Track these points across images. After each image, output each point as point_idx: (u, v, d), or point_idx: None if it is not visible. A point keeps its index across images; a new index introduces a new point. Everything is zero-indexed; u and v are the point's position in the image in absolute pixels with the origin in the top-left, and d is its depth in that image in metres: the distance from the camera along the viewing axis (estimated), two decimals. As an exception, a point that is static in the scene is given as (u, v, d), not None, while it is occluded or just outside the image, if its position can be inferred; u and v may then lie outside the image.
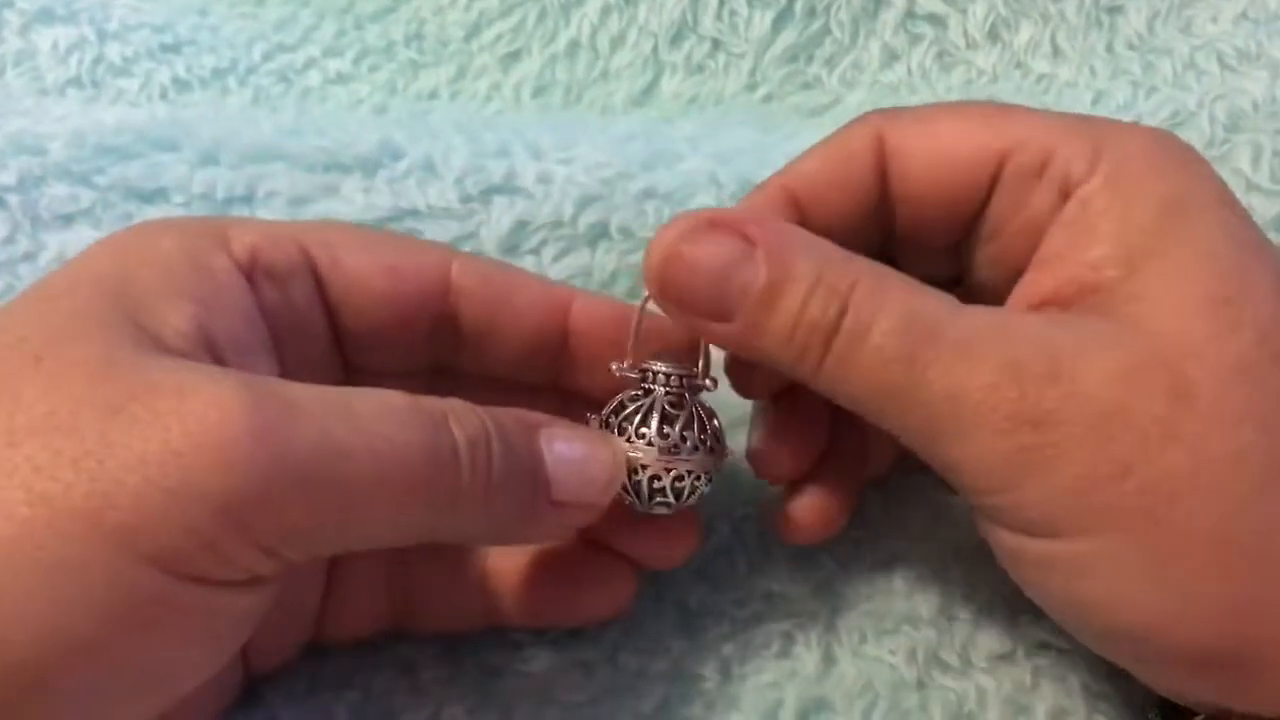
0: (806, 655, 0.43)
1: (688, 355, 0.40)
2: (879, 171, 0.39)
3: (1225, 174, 0.45)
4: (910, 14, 0.56)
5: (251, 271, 0.35)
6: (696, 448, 0.38)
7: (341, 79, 0.60)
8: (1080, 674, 0.42)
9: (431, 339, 0.40)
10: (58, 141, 0.46)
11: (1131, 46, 0.53)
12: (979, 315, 0.35)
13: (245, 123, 0.51)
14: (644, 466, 0.38)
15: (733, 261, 0.35)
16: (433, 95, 0.60)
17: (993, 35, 0.55)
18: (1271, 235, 0.46)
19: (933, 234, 0.40)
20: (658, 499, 0.39)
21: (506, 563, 0.42)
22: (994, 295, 0.40)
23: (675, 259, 0.36)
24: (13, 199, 0.44)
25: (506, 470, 0.34)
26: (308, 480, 0.30)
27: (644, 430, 0.38)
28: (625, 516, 0.40)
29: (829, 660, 0.43)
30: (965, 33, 0.55)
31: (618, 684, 0.43)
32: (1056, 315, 0.35)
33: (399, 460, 0.31)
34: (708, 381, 0.40)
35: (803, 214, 0.39)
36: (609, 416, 0.39)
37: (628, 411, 0.39)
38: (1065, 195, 0.36)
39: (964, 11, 0.55)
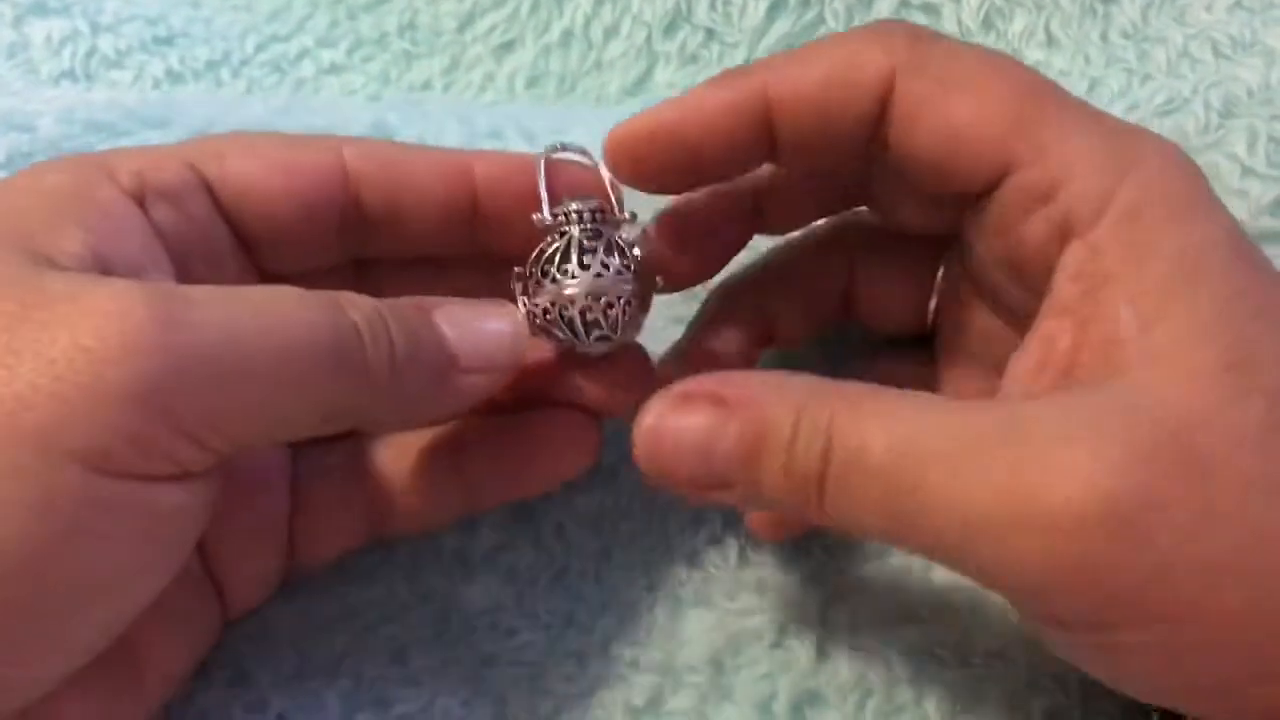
0: (800, 648, 0.43)
1: (602, 196, 0.40)
2: (875, 119, 0.37)
3: (1220, 159, 0.46)
4: (904, 2, 0.56)
5: (142, 196, 0.35)
6: (620, 272, 0.38)
7: (335, 69, 0.59)
8: (1077, 674, 0.42)
9: (340, 232, 0.39)
10: (47, 118, 0.46)
11: (1126, 35, 0.53)
12: (971, 416, 0.33)
13: (237, 103, 0.51)
14: (572, 301, 0.38)
15: (711, 432, 0.35)
16: (426, 86, 0.60)
17: (987, 24, 0.55)
18: (1268, 219, 0.45)
19: (920, 196, 0.39)
20: (595, 333, 0.39)
21: (469, 446, 0.42)
22: (978, 276, 0.40)
23: (657, 445, 0.36)
24: (1, 175, 0.44)
25: (409, 346, 0.35)
26: (217, 361, 0.30)
27: (565, 266, 0.38)
28: (573, 369, 0.40)
29: (822, 653, 0.43)
30: (959, 21, 0.55)
31: (611, 674, 0.43)
32: (1061, 399, 0.34)
33: (301, 337, 0.32)
34: (626, 214, 0.40)
35: (771, 130, 0.37)
36: (531, 267, 0.39)
37: (548, 254, 0.39)
38: (1064, 236, 0.35)
39: (958, 1, 0.55)
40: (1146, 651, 0.32)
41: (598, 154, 0.40)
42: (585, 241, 0.38)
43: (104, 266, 0.33)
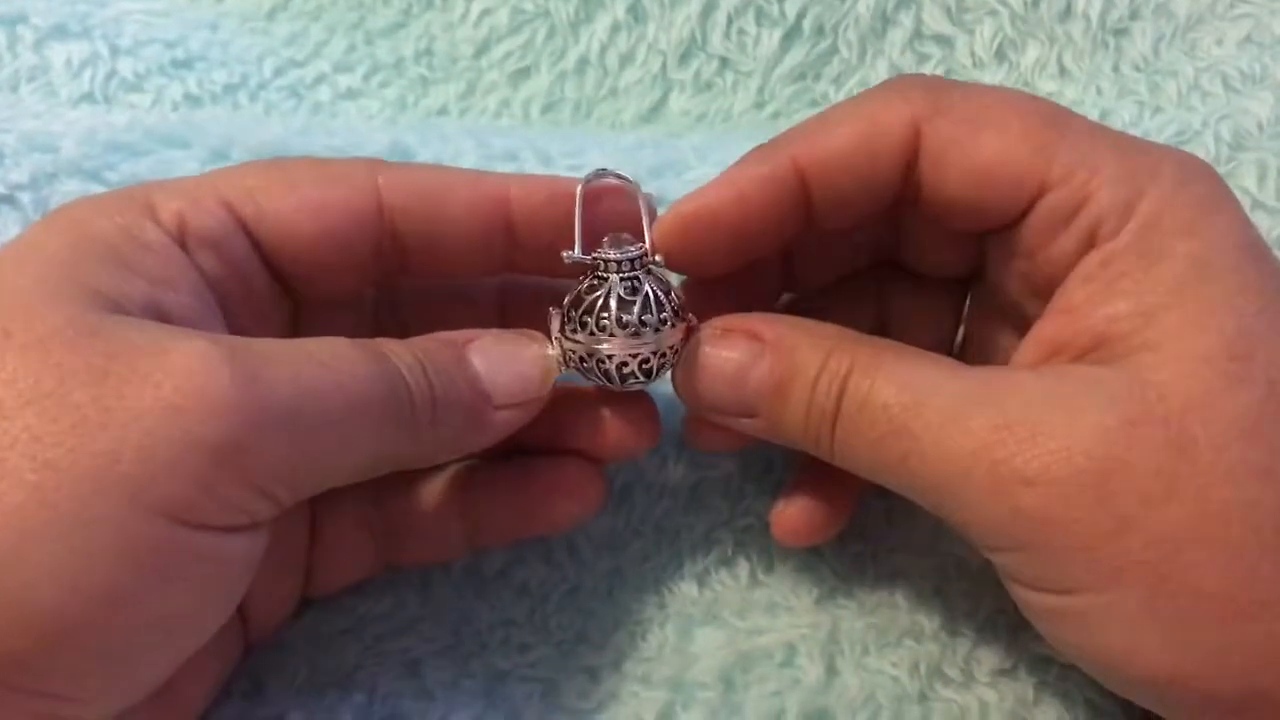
0: (809, 666, 0.43)
1: (634, 230, 0.40)
2: (905, 168, 0.38)
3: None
4: (918, 34, 0.56)
5: (184, 240, 0.36)
6: (657, 329, 0.39)
7: (352, 94, 0.60)
8: (1083, 689, 0.42)
9: (376, 258, 0.40)
10: (69, 139, 0.47)
11: (1137, 68, 0.53)
12: (971, 377, 0.35)
13: (256, 124, 0.51)
14: (610, 356, 0.39)
15: (745, 364, 0.38)
16: (442, 111, 0.60)
17: (1000, 56, 0.55)
18: (1277, 252, 0.46)
19: (954, 237, 0.40)
20: (631, 382, 0.39)
21: (478, 487, 0.43)
22: (1008, 305, 0.40)
23: (696, 370, 0.38)
24: (25, 197, 0.44)
25: (446, 390, 0.36)
26: (289, 419, 0.31)
27: (604, 320, 0.38)
28: (581, 416, 0.41)
29: (831, 671, 0.43)
30: (972, 53, 0.56)
31: (623, 690, 0.43)
32: (1057, 369, 0.35)
33: (361, 392, 0.34)
34: (658, 257, 0.40)
35: (807, 194, 0.38)
36: (569, 310, 0.39)
37: (585, 304, 0.39)
38: (1091, 244, 0.36)
39: (971, 32, 0.56)
40: (1110, 621, 0.33)
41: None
42: (623, 295, 0.39)
43: (163, 314, 0.34)
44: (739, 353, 0.38)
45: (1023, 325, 0.40)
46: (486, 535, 0.44)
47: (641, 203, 0.40)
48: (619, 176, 0.41)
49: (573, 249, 0.39)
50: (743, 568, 0.46)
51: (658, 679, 0.43)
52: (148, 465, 0.29)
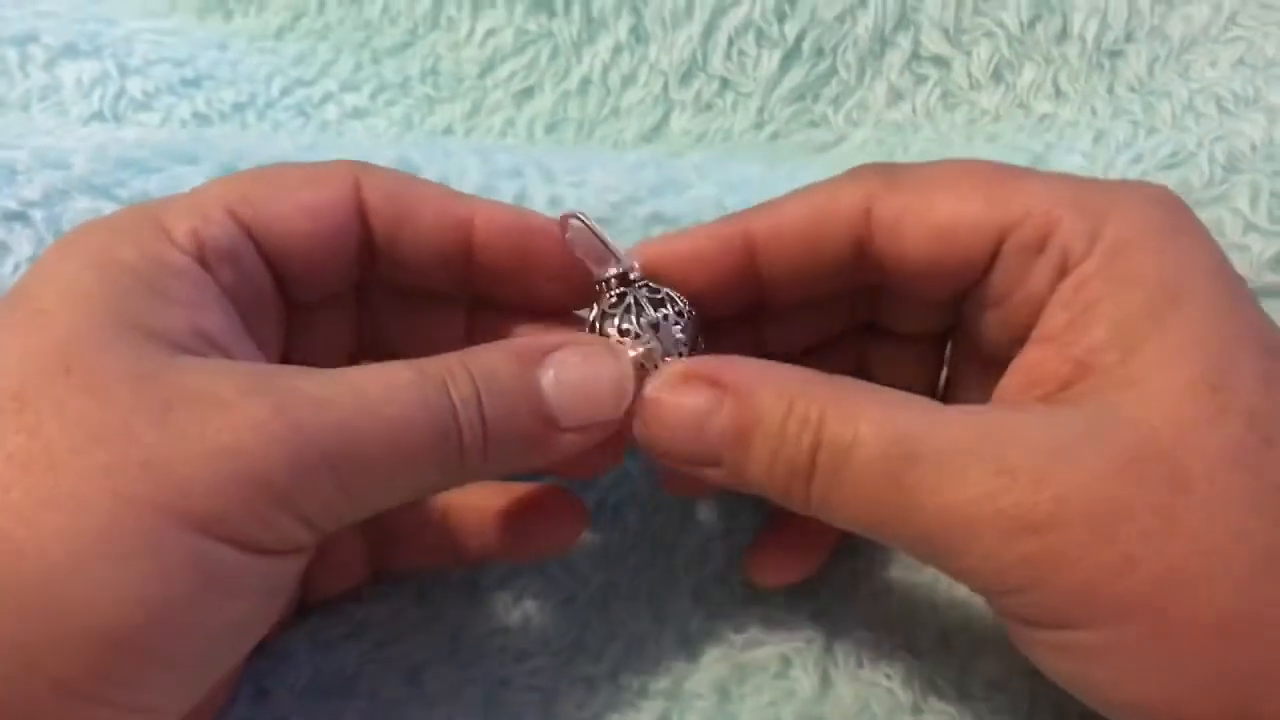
0: (804, 678, 0.44)
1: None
2: (856, 241, 0.39)
3: (1224, 214, 0.47)
4: (916, 55, 0.57)
5: (202, 257, 0.36)
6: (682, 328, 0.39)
7: (358, 113, 0.61)
8: (1077, 704, 0.42)
9: (358, 260, 0.40)
10: (80, 156, 0.47)
11: (1132, 89, 0.54)
12: (961, 420, 0.34)
13: (265, 140, 0.52)
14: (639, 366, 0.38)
15: (704, 411, 0.36)
16: (448, 130, 0.61)
17: (996, 76, 0.56)
18: (1269, 275, 0.46)
19: (927, 298, 0.40)
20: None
21: (467, 506, 0.44)
22: (992, 354, 0.40)
23: (655, 416, 0.37)
24: (37, 214, 0.45)
25: (502, 420, 0.35)
26: (335, 463, 0.33)
27: (626, 326, 0.39)
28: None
29: (826, 683, 0.44)
30: (969, 74, 0.56)
31: (620, 701, 0.43)
32: (1048, 412, 0.35)
33: (408, 435, 0.34)
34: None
35: (756, 262, 0.40)
36: (594, 322, 0.40)
37: (610, 315, 0.39)
38: (1063, 272, 0.36)
39: (968, 53, 0.56)
40: (1108, 654, 0.33)
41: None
42: (646, 300, 0.39)
43: (206, 338, 0.35)
44: (699, 398, 0.36)
45: (1003, 367, 0.40)
46: (471, 558, 0.45)
47: (597, 233, 0.40)
48: (578, 216, 0.40)
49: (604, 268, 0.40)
50: (738, 583, 0.47)
51: (654, 690, 0.43)
52: (211, 500, 0.31)
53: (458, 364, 0.35)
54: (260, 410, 0.32)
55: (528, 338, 0.39)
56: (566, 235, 0.40)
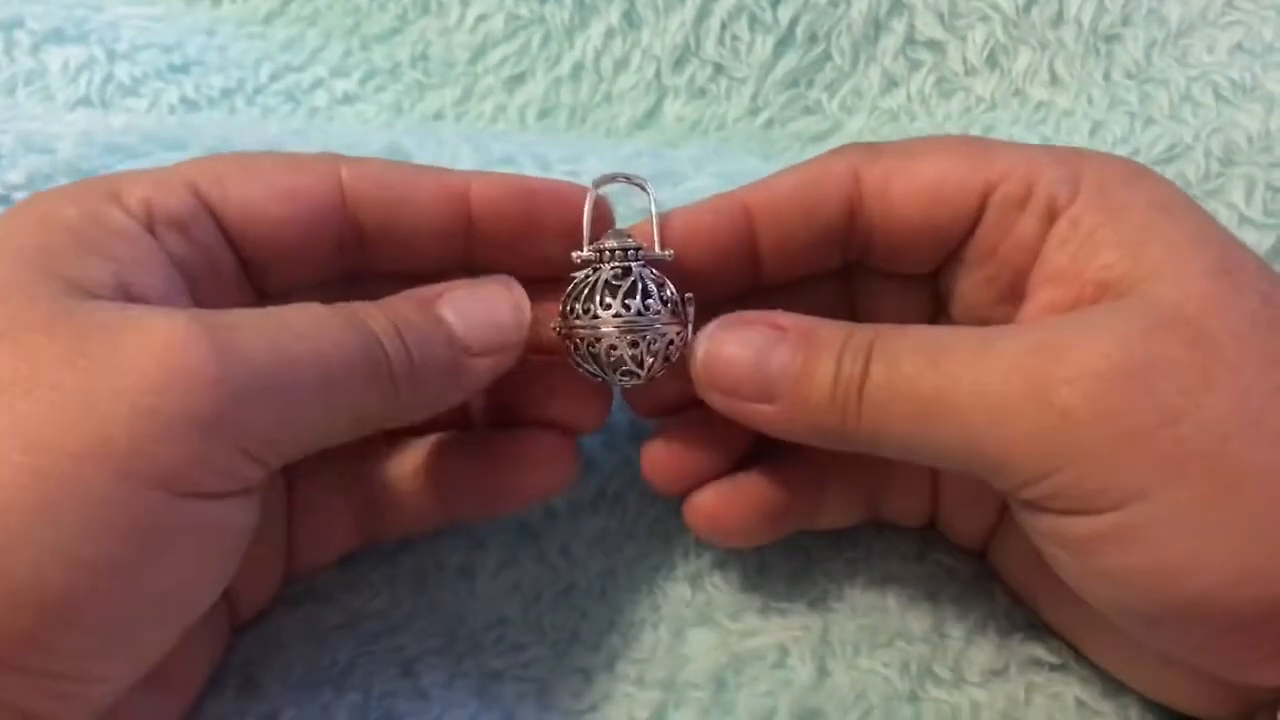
0: (800, 666, 0.44)
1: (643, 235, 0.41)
2: (847, 205, 0.40)
3: (1219, 207, 0.47)
4: (910, 40, 0.57)
5: (151, 224, 0.36)
6: (641, 312, 0.39)
7: (348, 99, 0.60)
8: (1074, 689, 0.42)
9: (339, 249, 0.40)
10: (66, 141, 0.47)
11: (1129, 75, 0.54)
12: (995, 326, 0.37)
13: (253, 126, 0.52)
14: (598, 339, 0.39)
15: (765, 348, 0.38)
16: (438, 116, 0.60)
17: (991, 62, 0.56)
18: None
19: (914, 262, 0.41)
20: (621, 369, 0.40)
21: (450, 457, 0.44)
22: (980, 319, 0.41)
23: (715, 354, 0.39)
24: (21, 197, 0.44)
25: (421, 347, 0.36)
26: (269, 388, 0.32)
27: (589, 305, 0.39)
28: (541, 385, 0.43)
29: (823, 671, 0.44)
30: (964, 59, 0.56)
31: (616, 691, 0.43)
32: (1069, 313, 0.36)
33: (339, 358, 0.34)
34: (668, 254, 0.40)
35: (755, 232, 0.41)
36: (566, 299, 0.40)
37: (578, 291, 0.40)
38: (1050, 219, 0.37)
39: (963, 38, 0.56)
40: (1172, 526, 0.32)
41: (612, 183, 0.41)
42: (612, 280, 0.39)
43: (133, 296, 0.34)
44: (759, 335, 0.38)
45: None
46: (460, 507, 0.44)
47: (651, 199, 0.41)
48: (628, 177, 0.42)
49: (580, 249, 0.40)
50: (735, 570, 0.46)
51: (651, 679, 0.43)
52: (137, 440, 0.30)
53: (371, 306, 0.37)
54: (185, 336, 0.31)
55: (421, 288, 0.39)
56: (596, 191, 0.41)
